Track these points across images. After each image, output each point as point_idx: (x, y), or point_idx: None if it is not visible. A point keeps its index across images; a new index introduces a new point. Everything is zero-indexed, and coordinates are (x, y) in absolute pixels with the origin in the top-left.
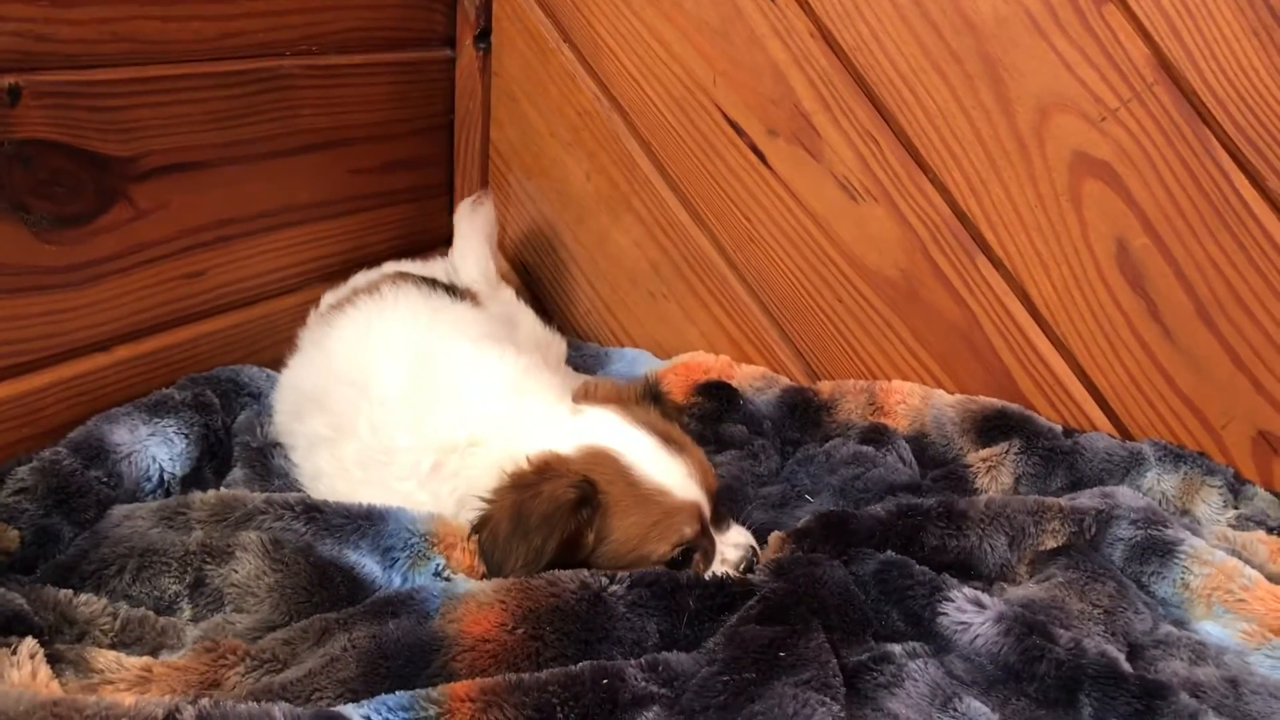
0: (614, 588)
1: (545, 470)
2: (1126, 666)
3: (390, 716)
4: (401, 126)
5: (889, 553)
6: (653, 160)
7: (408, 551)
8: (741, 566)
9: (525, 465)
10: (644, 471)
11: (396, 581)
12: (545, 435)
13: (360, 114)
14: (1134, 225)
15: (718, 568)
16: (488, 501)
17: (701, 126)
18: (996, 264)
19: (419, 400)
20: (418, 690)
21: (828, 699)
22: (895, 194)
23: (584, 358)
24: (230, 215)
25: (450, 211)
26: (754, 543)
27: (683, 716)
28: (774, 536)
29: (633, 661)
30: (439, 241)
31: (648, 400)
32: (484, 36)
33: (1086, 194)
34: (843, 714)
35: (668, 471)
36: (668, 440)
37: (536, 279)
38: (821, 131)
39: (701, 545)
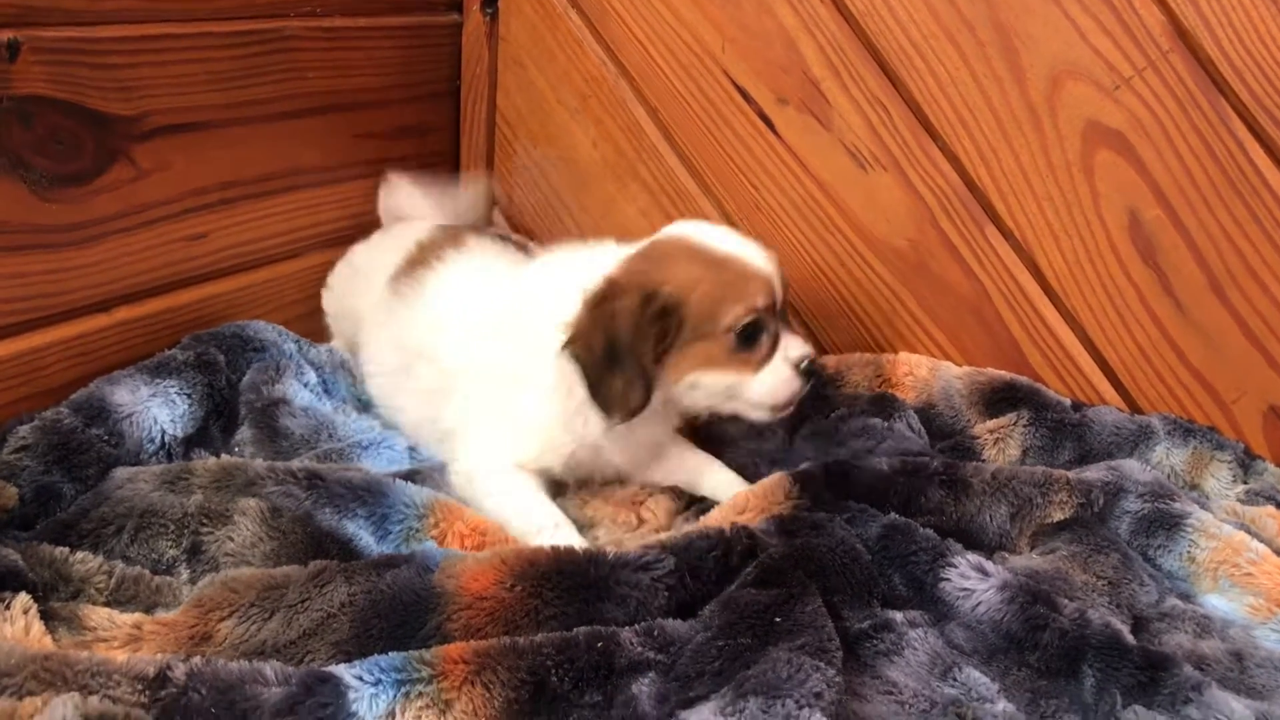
0: (628, 554)
1: (613, 286)
2: (1130, 638)
3: (383, 677)
4: (407, 92)
5: (891, 515)
6: (660, 128)
7: (402, 526)
8: (803, 365)
9: (595, 288)
10: (717, 244)
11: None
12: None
13: (366, 78)
14: (1147, 196)
15: (780, 362)
16: (571, 325)
17: (710, 93)
18: (1006, 235)
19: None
20: (411, 652)
21: (823, 664)
22: (905, 163)
23: None
24: (233, 177)
25: (456, 177)
26: (813, 350)
27: (677, 682)
28: (775, 477)
29: (629, 627)
30: None
31: None
32: (491, 1)
33: (1099, 164)
34: (838, 679)
35: (741, 245)
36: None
37: (543, 247)
38: (831, 99)
39: (771, 325)
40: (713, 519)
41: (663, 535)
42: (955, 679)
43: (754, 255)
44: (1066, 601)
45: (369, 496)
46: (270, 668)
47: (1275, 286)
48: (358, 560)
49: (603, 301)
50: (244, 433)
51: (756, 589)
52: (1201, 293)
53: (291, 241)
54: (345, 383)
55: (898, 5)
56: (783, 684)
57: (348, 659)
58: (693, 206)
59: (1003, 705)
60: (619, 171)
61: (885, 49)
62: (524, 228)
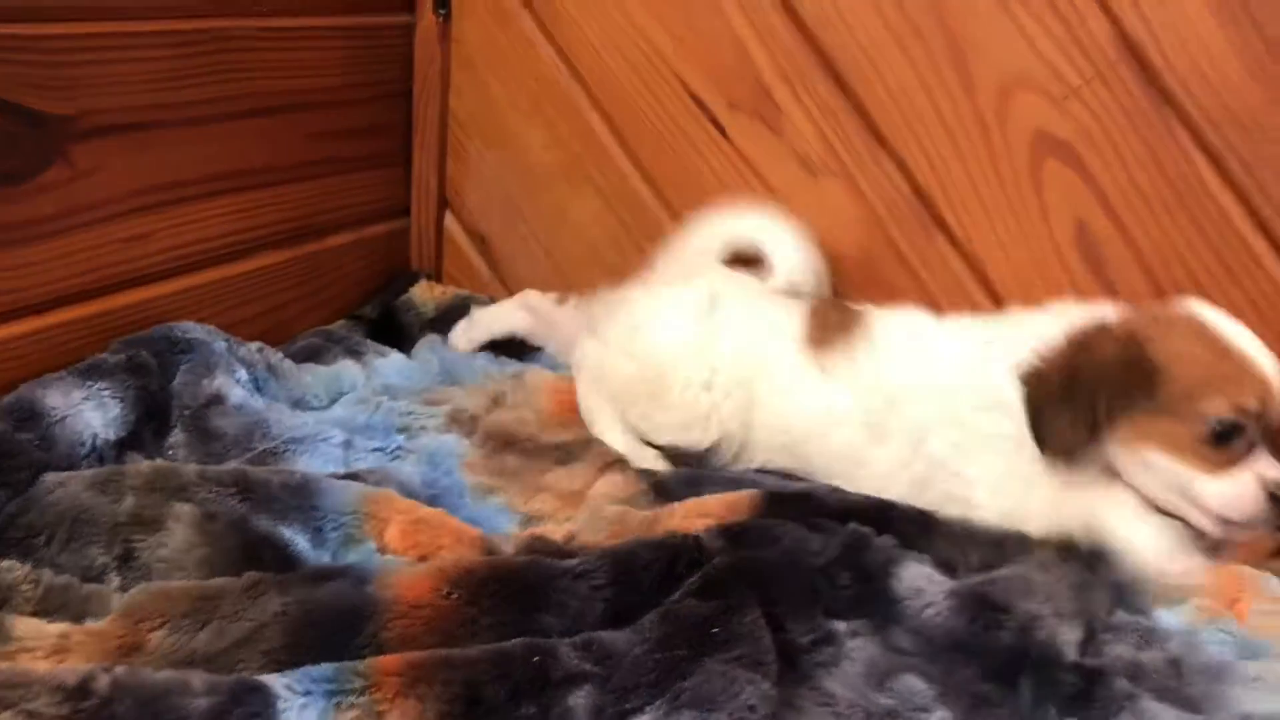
0: (565, 563)
1: (1102, 331)
2: (1069, 652)
3: (313, 688)
4: (358, 92)
5: (853, 525)
6: (613, 132)
7: (339, 532)
8: (1277, 492)
9: (1085, 328)
10: (1230, 333)
11: (326, 560)
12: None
13: (315, 79)
14: (1094, 207)
15: (1249, 475)
16: (1042, 357)
17: (662, 98)
18: (955, 244)
19: None
20: (343, 663)
21: (757, 676)
22: (855, 171)
23: None
24: (178, 178)
25: (408, 181)
26: None
27: (614, 694)
28: (749, 492)
29: (567, 639)
30: (396, 211)
31: None
32: (444, 2)
33: (1047, 174)
34: (772, 691)
35: (1254, 345)
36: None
37: (495, 250)
38: (782, 106)
39: (1254, 433)
40: (672, 519)
41: (609, 540)
42: (890, 688)
43: (1264, 359)
44: (1017, 610)
45: (304, 499)
46: (197, 677)
47: (1219, 297)
48: (294, 565)
49: (1085, 340)
50: (176, 435)
51: (697, 599)
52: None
53: (241, 242)
54: (276, 380)
55: (848, 12)
56: (717, 697)
57: (280, 669)
58: (645, 211)
59: (939, 714)
60: (572, 175)
61: (836, 56)
62: (477, 230)
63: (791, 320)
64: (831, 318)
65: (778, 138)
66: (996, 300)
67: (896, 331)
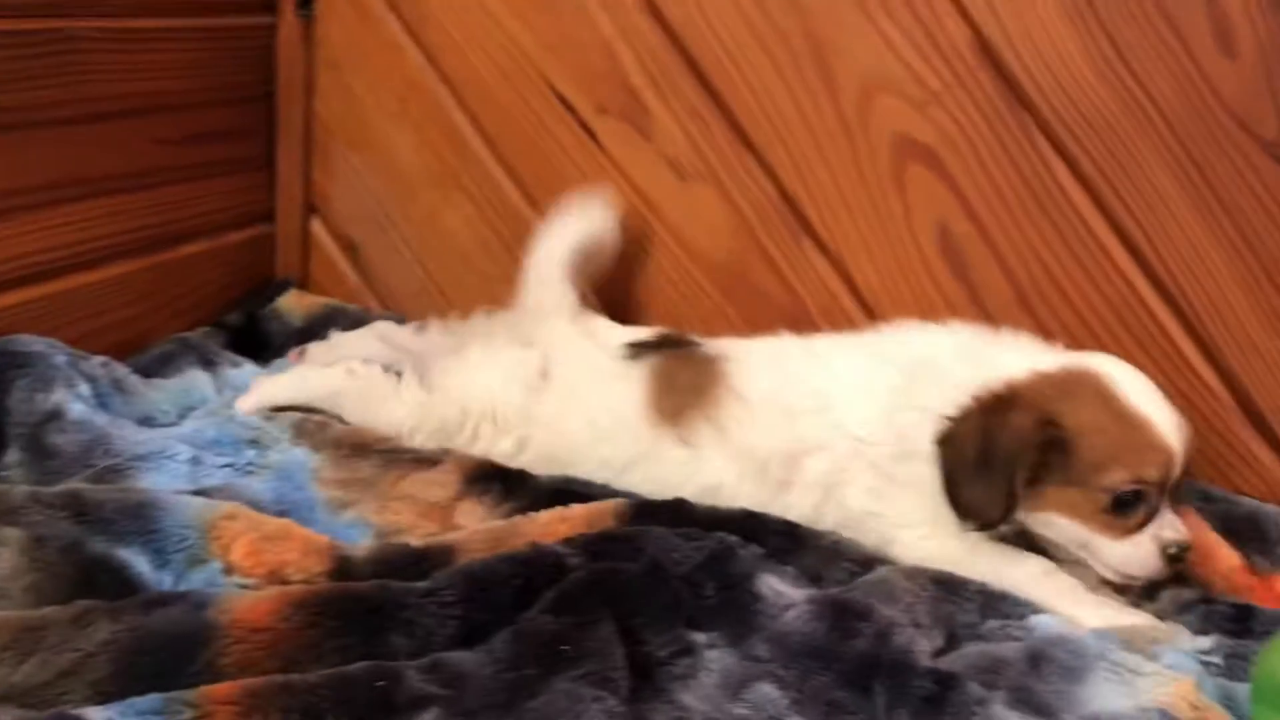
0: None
1: (1014, 397)
2: (924, 660)
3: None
4: (215, 95)
5: (721, 534)
6: (482, 135)
7: (182, 553)
8: (1171, 550)
9: (994, 390)
10: (1133, 398)
11: (168, 583)
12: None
13: (166, 81)
14: (956, 210)
15: (1148, 539)
16: (954, 422)
17: (531, 101)
18: (822, 248)
19: None
20: (172, 693)
21: (605, 693)
22: (724, 175)
23: None
24: (17, 185)
25: (272, 186)
26: (1188, 539)
27: (463, 717)
28: (613, 502)
29: (414, 662)
30: (260, 217)
31: None
32: (306, 3)
33: (910, 178)
34: (620, 708)
35: (1157, 408)
36: (1157, 388)
37: (365, 257)
38: (650, 109)
39: (1154, 501)
40: (533, 527)
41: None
42: (745, 698)
43: (1166, 424)
44: (876, 616)
45: (143, 519)
46: (8, 716)
47: (1077, 298)
48: (134, 590)
49: (997, 409)
50: (12, 454)
51: (551, 616)
52: (1009, 305)
53: (89, 250)
54: (121, 395)
55: (712, 15)
56: (560, 716)
57: (107, 701)
58: (517, 216)
59: None
60: (441, 180)
61: (701, 59)
62: (346, 237)
63: (630, 391)
64: (680, 377)
65: (647, 141)
66: (864, 305)
67: (764, 382)
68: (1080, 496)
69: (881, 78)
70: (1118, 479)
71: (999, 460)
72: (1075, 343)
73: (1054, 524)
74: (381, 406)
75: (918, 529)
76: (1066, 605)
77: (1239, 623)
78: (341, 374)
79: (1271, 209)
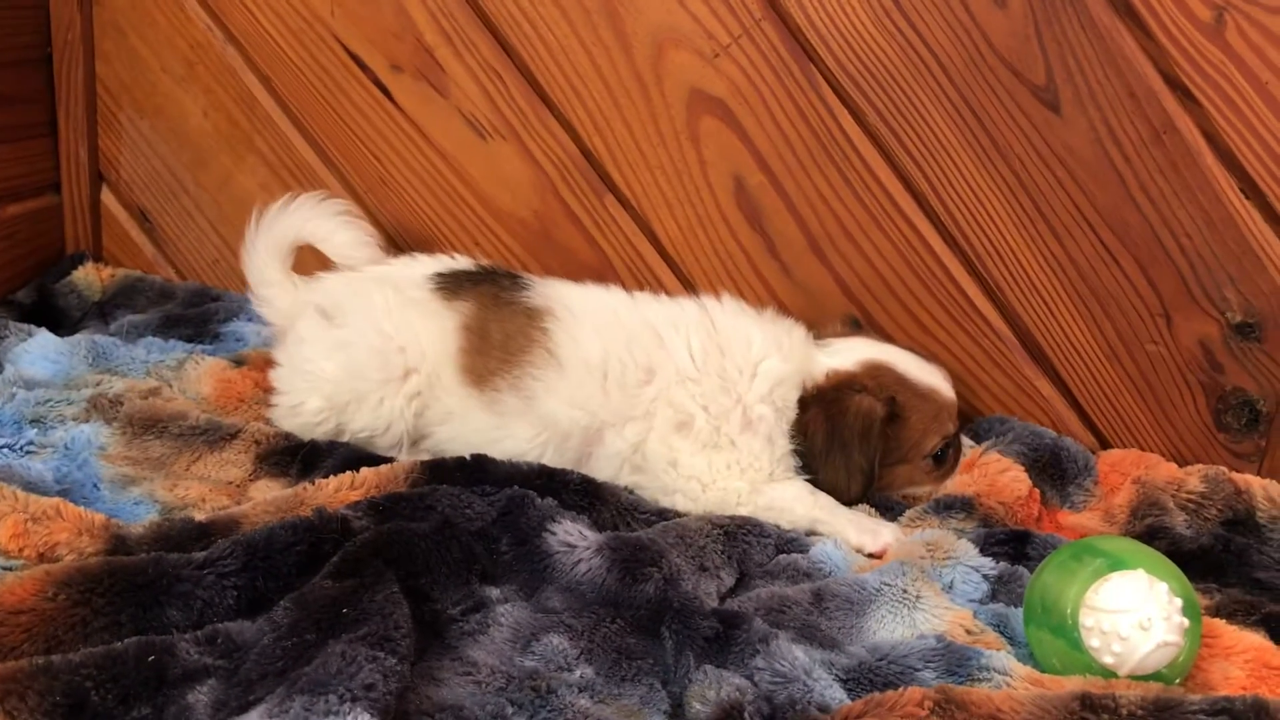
0: (191, 555)
1: (854, 384)
2: (709, 602)
3: None
4: None
5: (516, 488)
6: (274, 96)
7: None
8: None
9: (822, 381)
10: (917, 376)
11: None
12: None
13: None
14: (749, 162)
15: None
16: (805, 419)
17: (322, 60)
18: (624, 203)
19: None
20: None
21: (382, 653)
22: (523, 132)
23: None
24: None
25: (55, 154)
26: (974, 450)
27: (239, 688)
28: (406, 462)
29: (188, 634)
30: (44, 188)
31: (853, 329)
32: None
33: (704, 131)
34: (399, 667)
35: (932, 375)
36: (915, 354)
37: (158, 226)
38: (446, 67)
39: (956, 441)
40: (320, 494)
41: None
42: (535, 651)
43: (944, 386)
44: (671, 559)
45: None
46: None
47: (867, 246)
48: None
49: (840, 395)
50: None
51: (332, 581)
52: (803, 254)
53: None
54: None
55: None
56: (331, 679)
57: None
58: (314, 180)
59: (580, 672)
60: (234, 143)
61: (495, 15)
62: (137, 205)
63: (444, 338)
64: (494, 331)
65: (444, 99)
66: (666, 258)
67: (605, 340)
68: (911, 470)
69: (672, 31)
70: (934, 445)
71: (849, 442)
72: (868, 290)
73: (903, 491)
74: None
75: (703, 478)
76: (828, 517)
77: (1015, 546)
78: None
79: (1044, 152)
